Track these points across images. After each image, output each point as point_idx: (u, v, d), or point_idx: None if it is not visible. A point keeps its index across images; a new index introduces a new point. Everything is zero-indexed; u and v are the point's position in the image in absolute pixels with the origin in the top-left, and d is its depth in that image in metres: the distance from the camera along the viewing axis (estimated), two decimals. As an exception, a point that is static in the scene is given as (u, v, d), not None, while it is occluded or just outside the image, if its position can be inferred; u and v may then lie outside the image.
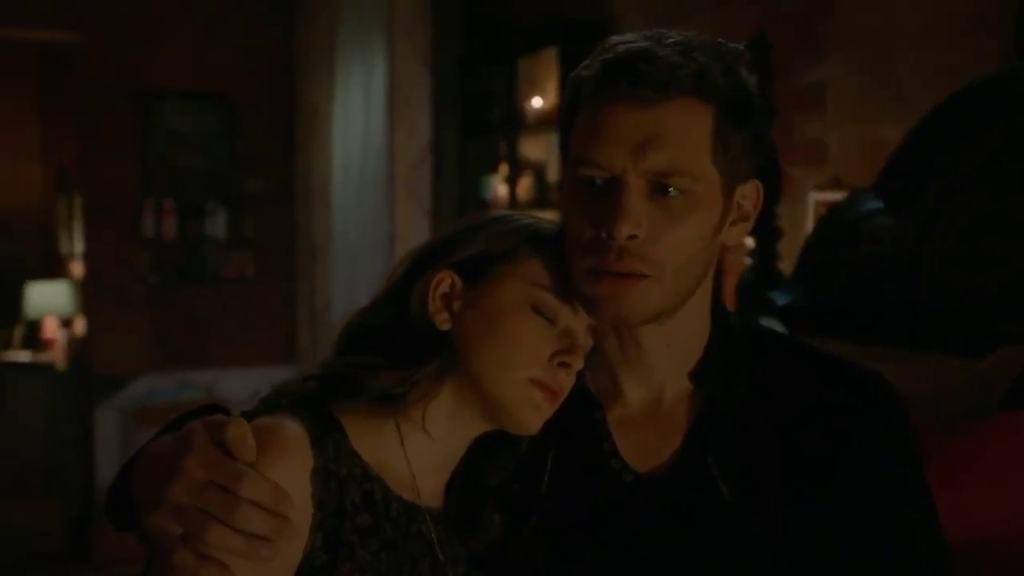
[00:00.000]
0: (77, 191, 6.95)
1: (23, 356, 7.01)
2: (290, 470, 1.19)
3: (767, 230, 3.13)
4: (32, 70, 8.29)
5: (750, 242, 3.17)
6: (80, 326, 6.89)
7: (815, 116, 3.71)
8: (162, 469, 1.16)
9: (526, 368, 1.31)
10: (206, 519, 1.11)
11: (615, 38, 1.34)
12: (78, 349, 6.80)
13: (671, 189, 1.28)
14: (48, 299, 7.15)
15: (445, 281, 1.35)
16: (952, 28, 3.26)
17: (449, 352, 1.33)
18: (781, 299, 2.99)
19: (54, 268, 7.87)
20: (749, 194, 1.38)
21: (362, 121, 5.79)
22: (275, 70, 6.48)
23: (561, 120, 1.40)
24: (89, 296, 6.40)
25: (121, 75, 6.15)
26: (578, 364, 1.35)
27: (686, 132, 1.28)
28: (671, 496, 1.36)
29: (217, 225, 6.40)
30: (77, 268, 7.18)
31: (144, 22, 6.18)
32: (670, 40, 1.29)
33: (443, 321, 1.34)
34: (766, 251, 3.14)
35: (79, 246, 7.01)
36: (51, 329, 7.14)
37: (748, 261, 3.19)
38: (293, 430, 1.23)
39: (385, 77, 5.59)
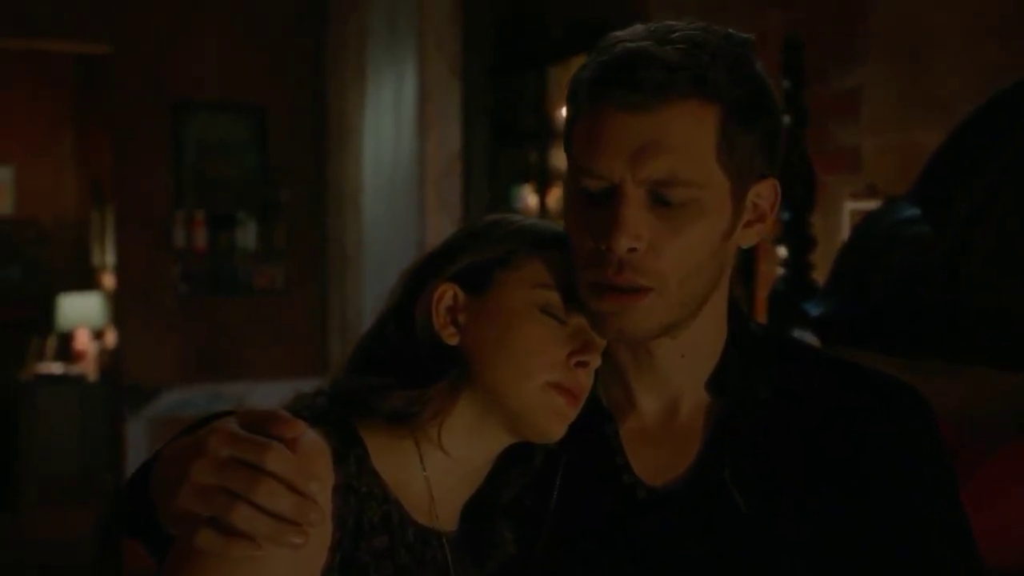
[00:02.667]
0: (110, 202, 6.96)
1: (55, 368, 7.01)
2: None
3: (800, 239, 3.07)
4: (68, 82, 8.34)
5: (783, 252, 3.10)
6: (111, 338, 6.90)
7: (850, 122, 3.63)
8: (182, 463, 1.09)
9: (542, 374, 1.25)
10: (231, 499, 1.04)
11: (616, 35, 1.26)
12: (109, 361, 6.80)
13: (673, 199, 1.21)
14: (80, 311, 7.16)
15: (447, 294, 1.29)
16: (991, 31, 3.19)
17: (461, 366, 1.28)
18: (814, 310, 2.92)
19: (87, 280, 7.90)
20: (765, 193, 1.29)
21: (392, 130, 5.76)
22: (306, 79, 6.45)
23: (564, 125, 1.33)
24: (120, 307, 6.41)
25: (153, 85, 6.15)
26: (596, 361, 1.29)
27: (688, 138, 1.20)
28: (686, 512, 1.29)
29: (248, 236, 6.37)
30: (109, 280, 7.19)
31: (176, 33, 6.18)
32: (674, 35, 1.22)
33: (450, 336, 1.28)
34: (799, 261, 3.07)
35: (111, 258, 7.02)
36: (83, 341, 7.15)
37: (780, 271, 3.12)
38: (315, 442, 1.16)
39: (415, 85, 5.56)
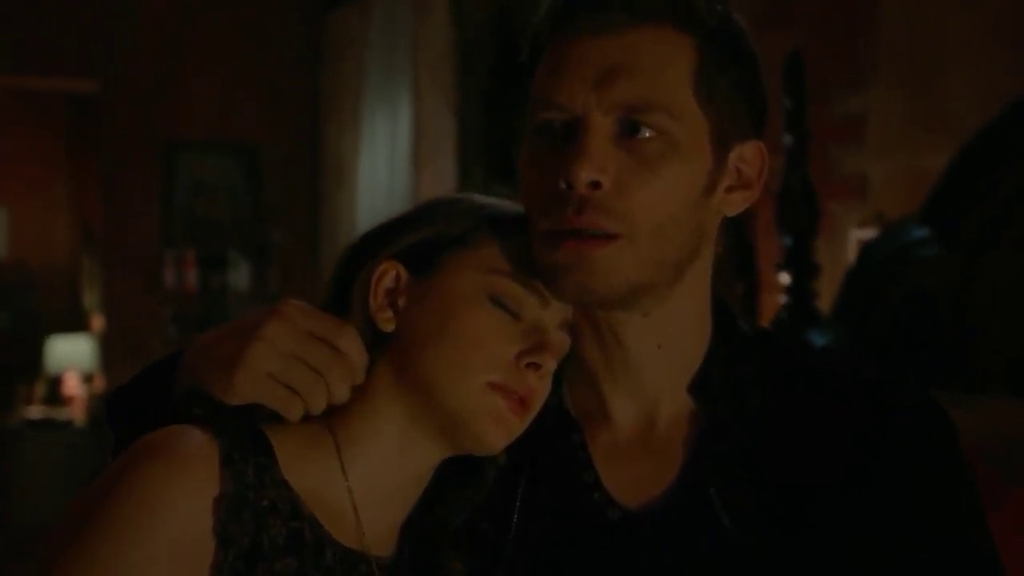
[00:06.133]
0: (99, 243, 6.89)
1: (42, 413, 6.89)
2: (185, 493, 0.99)
3: (803, 265, 2.93)
4: (62, 125, 8.32)
5: (785, 278, 2.96)
6: (100, 382, 6.78)
7: (855, 147, 3.51)
8: (249, 329, 1.08)
9: (484, 372, 1.08)
10: (313, 374, 1.07)
11: None
12: (98, 405, 6.69)
13: (644, 129, 1.06)
14: (70, 354, 7.06)
15: (388, 273, 1.13)
16: (1002, 52, 3.09)
17: (397, 357, 1.11)
18: (819, 339, 2.78)
19: (79, 324, 7.80)
20: (750, 157, 1.15)
21: (387, 167, 5.71)
22: (300, 118, 6.42)
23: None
24: (109, 350, 6.30)
25: (145, 124, 6.13)
26: (551, 365, 1.12)
27: (661, 62, 1.08)
28: (665, 536, 1.13)
29: (240, 277, 6.30)
30: (99, 322, 7.10)
31: (169, 71, 6.15)
32: None
33: (386, 321, 1.12)
34: (803, 288, 2.93)
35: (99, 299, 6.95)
36: (72, 385, 7.03)
37: (783, 299, 2.97)
38: (196, 444, 1.01)
39: (410, 121, 5.50)
